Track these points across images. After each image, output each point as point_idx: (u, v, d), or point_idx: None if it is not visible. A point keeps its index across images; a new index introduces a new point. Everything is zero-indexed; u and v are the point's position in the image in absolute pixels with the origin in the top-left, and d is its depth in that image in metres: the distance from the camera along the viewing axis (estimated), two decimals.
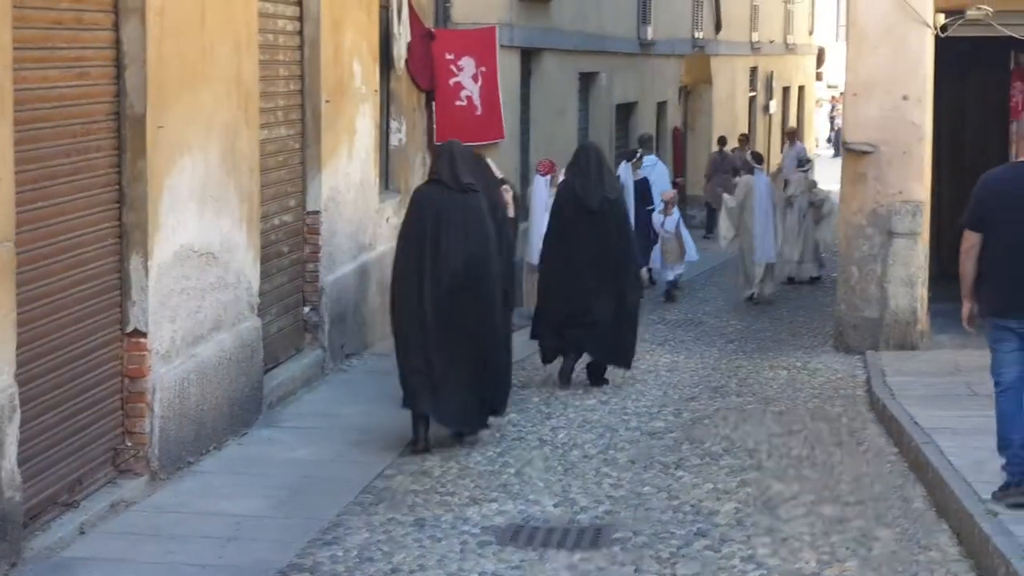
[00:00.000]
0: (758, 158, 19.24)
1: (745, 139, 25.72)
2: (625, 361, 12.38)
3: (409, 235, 10.06)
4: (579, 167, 12.44)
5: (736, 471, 9.28)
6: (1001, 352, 7.84)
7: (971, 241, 7.88)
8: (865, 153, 13.58)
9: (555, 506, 8.49)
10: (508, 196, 11.90)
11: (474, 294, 9.81)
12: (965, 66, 17.18)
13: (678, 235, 18.10)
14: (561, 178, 13.40)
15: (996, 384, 7.88)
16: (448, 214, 9.86)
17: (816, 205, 19.31)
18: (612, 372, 12.97)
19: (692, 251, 18.47)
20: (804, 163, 20.36)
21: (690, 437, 10.33)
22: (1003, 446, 7.77)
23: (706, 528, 7.95)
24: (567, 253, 12.16)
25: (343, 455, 9.64)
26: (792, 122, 36.88)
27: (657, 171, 19.27)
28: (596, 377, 12.44)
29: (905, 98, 13.50)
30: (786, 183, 19.41)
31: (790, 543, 7.62)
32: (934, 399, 10.52)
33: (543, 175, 16.02)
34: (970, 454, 8.77)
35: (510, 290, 11.39)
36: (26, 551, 7.14)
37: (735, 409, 11.36)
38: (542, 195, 15.51)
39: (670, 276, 18.22)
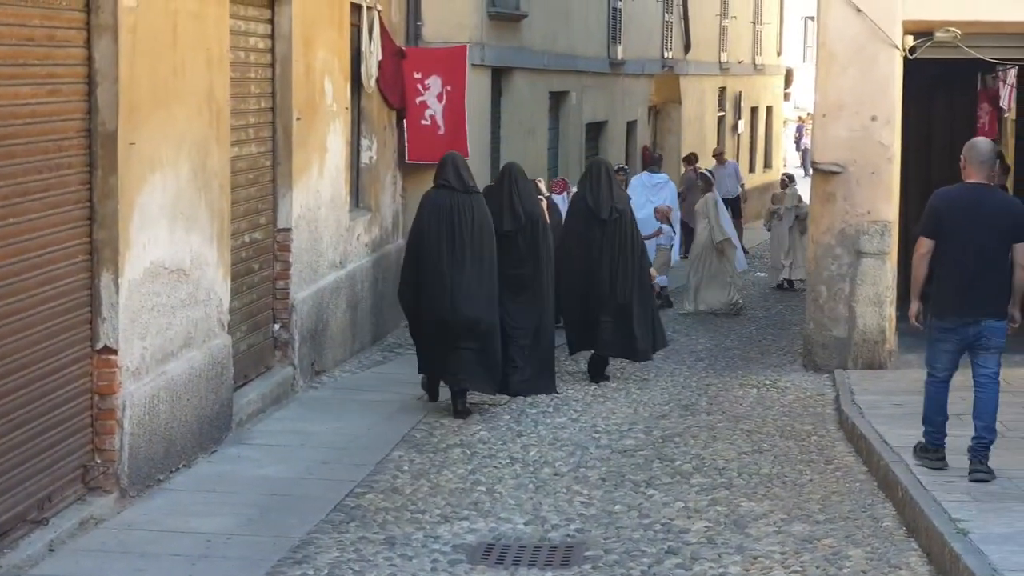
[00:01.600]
0: (708, 178, 20.19)
1: (695, 158, 25.80)
2: (645, 356, 13.69)
3: (424, 232, 11.77)
4: (591, 180, 13.74)
5: (706, 489, 9.30)
6: (939, 348, 9.00)
7: (925, 247, 8.97)
8: (834, 173, 13.66)
9: (526, 524, 8.50)
10: (544, 207, 13.45)
11: (488, 275, 11.76)
12: (933, 87, 17.31)
13: (668, 249, 19.34)
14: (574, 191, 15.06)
15: (930, 374, 9.09)
16: (460, 211, 11.72)
17: (801, 218, 20.63)
18: (583, 388, 13.03)
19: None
20: (791, 180, 22.38)
21: (660, 455, 10.35)
22: (927, 422, 9.13)
23: (677, 546, 7.97)
24: (582, 258, 13.38)
25: (313, 473, 9.62)
26: (762, 141, 37.10)
27: (668, 189, 20.50)
28: (597, 373, 13.59)
29: (874, 119, 13.59)
30: (773, 197, 21.37)
31: (761, 562, 7.65)
32: (902, 417, 10.56)
33: (558, 194, 17.35)
34: (939, 473, 8.81)
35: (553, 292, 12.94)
36: None
37: (705, 427, 11.39)
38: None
39: (662, 281, 18.98)
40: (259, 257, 11.76)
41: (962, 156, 9.08)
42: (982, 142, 9.35)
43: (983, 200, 8.89)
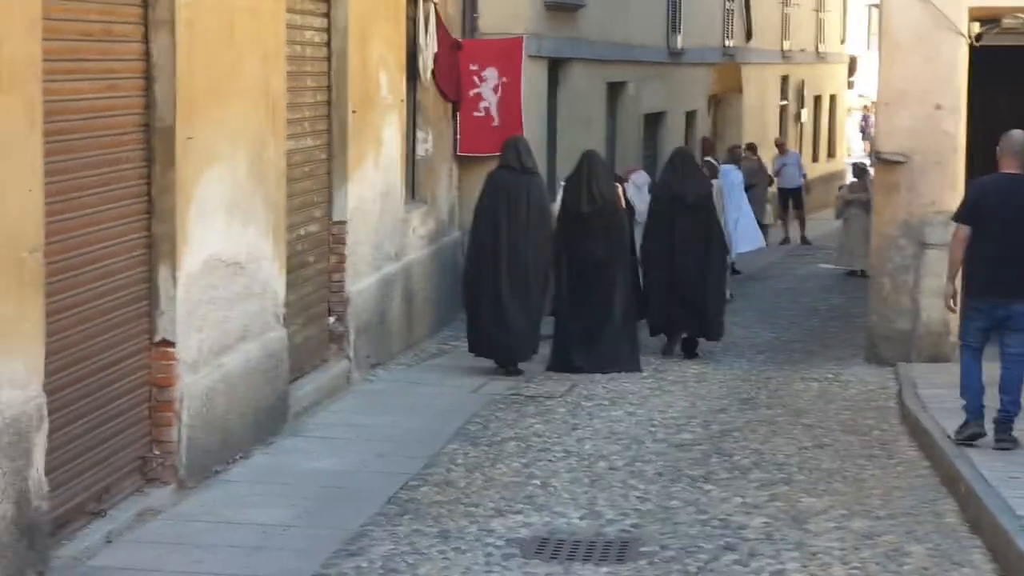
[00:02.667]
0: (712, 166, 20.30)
1: (755, 147, 25.73)
2: (718, 334, 14.43)
3: (486, 207, 13.03)
4: (675, 167, 14.69)
5: (766, 485, 9.21)
6: (971, 325, 9.66)
7: (962, 233, 9.63)
8: (897, 163, 13.50)
9: (581, 518, 8.45)
10: (619, 192, 13.90)
11: (538, 250, 12.87)
12: (999, 75, 17.06)
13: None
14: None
15: (963, 346, 9.77)
16: (517, 191, 12.89)
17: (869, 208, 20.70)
18: (640, 381, 12.98)
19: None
20: (863, 170, 22.51)
21: (719, 450, 10.27)
22: (964, 392, 9.58)
23: (735, 542, 7.89)
24: (667, 241, 14.13)
25: (368, 465, 9.63)
26: (825, 131, 36.81)
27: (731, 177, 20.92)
28: (690, 351, 14.40)
29: (938, 107, 13.42)
30: (852, 185, 21.95)
31: (820, 558, 7.56)
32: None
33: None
34: (1004, 468, 8.69)
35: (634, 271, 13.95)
36: (53, 560, 7.15)
37: (765, 421, 11.29)
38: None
39: None
40: (314, 250, 11.78)
41: (998, 147, 9.55)
42: (1016, 133, 9.67)
43: (1017, 189, 9.45)
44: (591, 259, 13.29)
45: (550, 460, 9.92)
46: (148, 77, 8.44)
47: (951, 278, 9.84)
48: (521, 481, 9.30)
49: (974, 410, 9.51)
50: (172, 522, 8.13)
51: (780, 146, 28.39)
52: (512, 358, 13.05)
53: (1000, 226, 9.39)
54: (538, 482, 9.29)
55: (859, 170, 23.00)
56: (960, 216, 9.72)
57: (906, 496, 8.85)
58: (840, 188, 23.13)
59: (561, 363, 13.31)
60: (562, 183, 14.16)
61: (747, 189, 21.57)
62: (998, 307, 9.40)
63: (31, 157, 6.82)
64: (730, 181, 20.95)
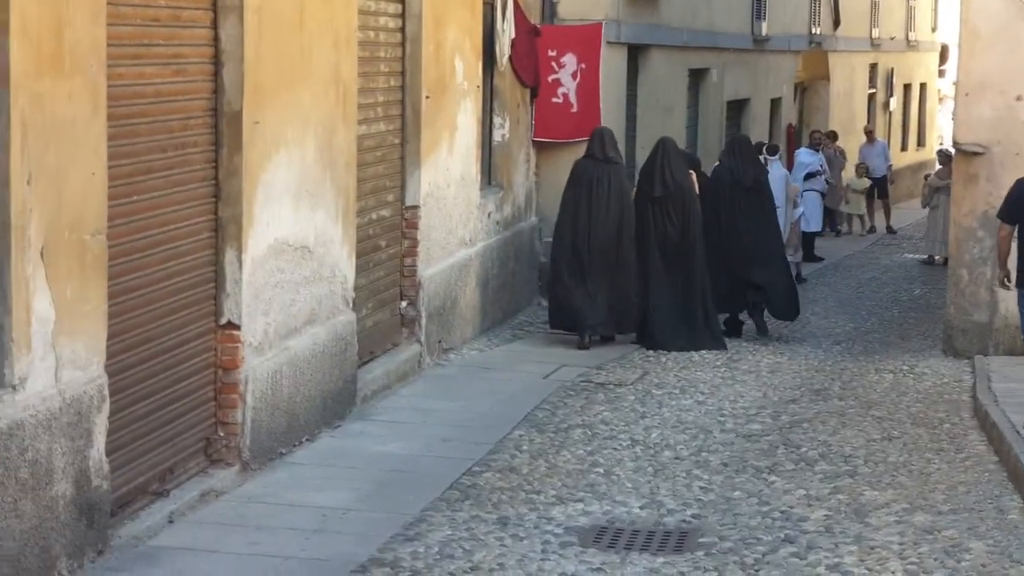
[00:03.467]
0: (772, 150, 20.19)
1: (835, 135, 25.69)
2: (793, 314, 15.02)
3: (570, 195, 13.99)
4: (733, 152, 15.29)
5: (830, 477, 9.13)
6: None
7: (1006, 231, 11.33)
8: (976, 154, 13.32)
9: (642, 508, 8.42)
10: (692, 178, 14.39)
11: (616, 230, 13.75)
12: None
13: (796, 224, 19.97)
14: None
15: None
16: (598, 179, 13.81)
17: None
18: (712, 370, 12.93)
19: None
20: (949, 157, 22.10)
21: (786, 441, 10.19)
22: None
23: (794, 535, 7.82)
24: (727, 225, 14.71)
25: (433, 450, 9.66)
26: (914, 119, 36.37)
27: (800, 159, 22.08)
28: (762, 329, 14.95)
29: (1019, 98, 13.23)
30: (939, 172, 21.95)
31: (878, 552, 7.47)
32: None
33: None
34: None
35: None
36: (114, 539, 7.23)
37: (835, 413, 11.18)
38: None
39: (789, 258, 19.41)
40: (386, 234, 11.83)
41: None
42: None
43: None
44: (667, 241, 13.98)
45: (615, 448, 9.89)
46: (216, 62, 8.50)
47: (1000, 267, 11.55)
48: (584, 469, 9.28)
49: None
50: (234, 503, 8.21)
51: (868, 134, 28.13)
52: (592, 324, 13.79)
53: None
54: (601, 470, 9.27)
55: (945, 157, 22.82)
56: (1001, 214, 11.14)
57: (971, 491, 8.73)
58: (927, 176, 22.94)
59: (646, 342, 13.95)
60: None
61: (808, 177, 21.48)
62: None
63: (94, 141, 6.90)
64: (797, 162, 21.29)
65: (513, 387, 11.90)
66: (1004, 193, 13.20)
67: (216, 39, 8.49)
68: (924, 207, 22.62)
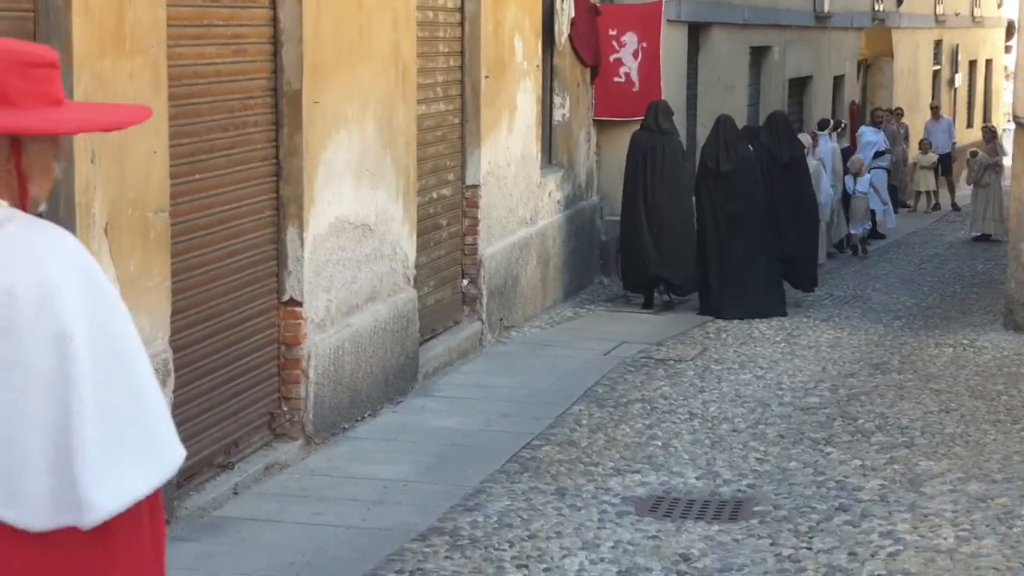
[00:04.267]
0: (822, 125, 20.87)
1: (901, 112, 25.81)
2: (812, 285, 15.69)
3: (629, 165, 14.90)
4: (771, 130, 15.89)
5: (886, 448, 9.18)
6: None
7: None
8: None
9: (698, 479, 8.52)
10: (752, 153, 15.10)
11: (674, 195, 14.72)
12: None
13: (866, 197, 20.75)
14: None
15: None
16: (654, 149, 14.73)
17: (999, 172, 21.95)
18: (772, 345, 12.98)
19: (890, 219, 22.16)
20: (994, 134, 23.35)
21: (844, 413, 10.24)
22: None
23: (848, 503, 7.90)
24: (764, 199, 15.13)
25: (493, 425, 9.78)
26: (980, 96, 36.08)
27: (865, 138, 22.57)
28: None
29: None
30: (973, 153, 22.34)
31: (931, 520, 7.53)
32: None
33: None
34: None
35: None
36: (180, 510, 7.41)
37: (894, 386, 11.22)
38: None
39: (858, 231, 20.68)
40: (447, 213, 11.96)
41: None
42: None
43: None
44: (730, 214, 14.66)
45: (673, 422, 9.98)
46: (276, 42, 8.65)
47: None
48: (643, 442, 9.38)
49: None
50: (298, 476, 8.37)
51: (934, 110, 28.01)
52: (665, 277, 14.81)
53: None
54: (659, 443, 9.37)
55: (991, 134, 22.94)
56: None
57: None
58: (972, 154, 22.87)
59: (710, 311, 14.65)
60: None
61: (878, 155, 21.49)
62: None
63: (156, 120, 7.05)
64: (864, 141, 21.45)
65: (573, 364, 12.01)
66: None
67: (275, 19, 8.63)
68: (970, 184, 22.54)
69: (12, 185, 3.16)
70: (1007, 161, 20.83)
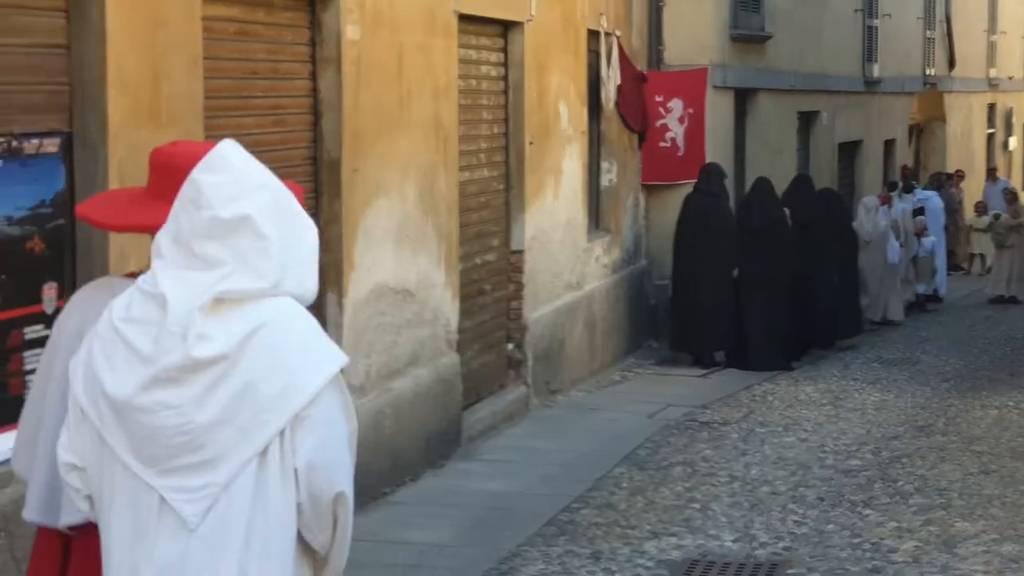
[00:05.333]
0: (892, 186, 22.06)
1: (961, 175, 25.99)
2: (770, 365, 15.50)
3: (680, 229, 15.55)
4: (748, 196, 16.43)
5: (923, 510, 9.18)
6: None
7: None
8: None
9: (734, 541, 8.54)
10: (785, 214, 15.95)
11: (719, 259, 15.27)
12: None
13: (931, 257, 21.51)
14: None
15: None
16: (704, 210, 15.34)
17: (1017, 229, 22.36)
18: (818, 408, 12.98)
19: (941, 284, 22.20)
20: (1015, 195, 23.72)
21: (884, 475, 10.24)
22: None
23: (881, 565, 7.91)
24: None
25: (534, 488, 9.85)
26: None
27: (932, 203, 23.03)
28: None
29: None
30: (997, 216, 22.69)
31: None
32: None
33: (882, 205, 19.77)
34: None
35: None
36: None
37: (936, 448, 11.20)
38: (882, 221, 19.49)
39: (921, 290, 21.38)
40: (492, 278, 12.08)
41: None
42: None
43: None
44: (759, 272, 15.27)
45: (713, 485, 10.01)
46: (316, 112, 8.85)
47: None
48: (681, 504, 9.42)
49: None
50: None
51: (991, 172, 28.04)
52: (702, 349, 15.36)
53: None
54: (698, 506, 9.40)
55: (1011, 195, 23.22)
56: None
57: None
58: (996, 216, 23.02)
59: (737, 363, 15.30)
60: None
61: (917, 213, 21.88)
62: None
63: None
64: (932, 207, 21.78)
65: (618, 427, 12.05)
66: None
67: (315, 90, 8.83)
68: (998, 248, 22.66)
69: None
70: None
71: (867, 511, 9.20)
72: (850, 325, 17.33)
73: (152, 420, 3.27)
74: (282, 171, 8.36)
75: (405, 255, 9.84)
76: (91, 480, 3.39)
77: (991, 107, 31.65)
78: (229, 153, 3.50)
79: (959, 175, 26.60)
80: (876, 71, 23.91)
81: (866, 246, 18.73)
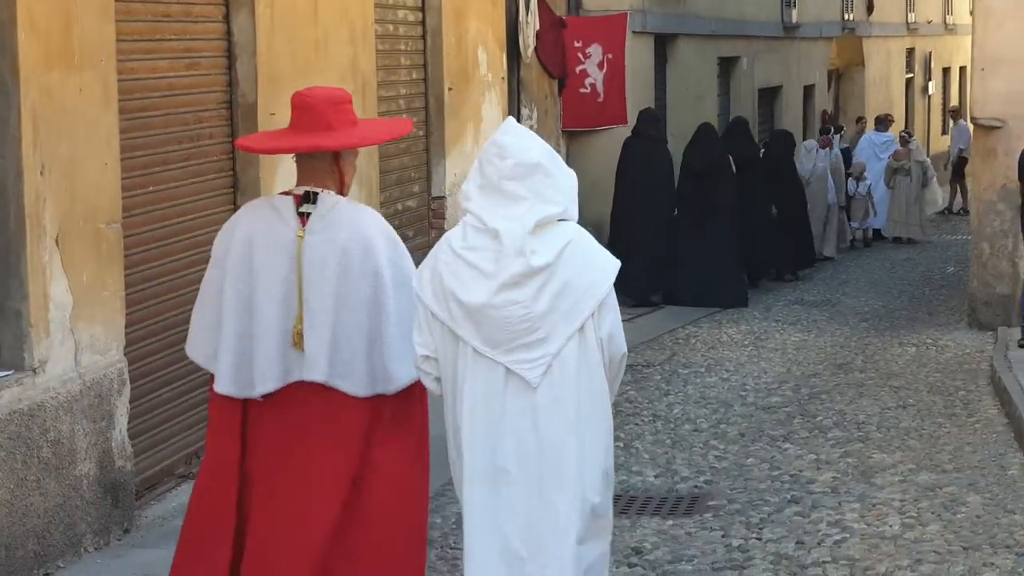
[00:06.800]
0: (837, 128, 23.00)
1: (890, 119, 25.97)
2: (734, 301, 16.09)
3: (620, 166, 15.90)
4: (693, 138, 16.76)
5: (841, 443, 9.31)
6: None
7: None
8: (994, 128, 13.43)
9: (656, 477, 8.63)
10: (728, 157, 16.54)
11: (657, 196, 15.70)
12: None
13: (867, 198, 22.31)
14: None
15: None
16: (643, 153, 15.67)
17: (921, 174, 22.84)
18: (739, 349, 13.10)
19: (881, 219, 22.83)
20: (909, 137, 24.06)
21: (804, 411, 10.37)
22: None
23: (800, 495, 8.02)
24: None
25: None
26: (954, 103, 36.29)
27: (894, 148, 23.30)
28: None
29: None
30: (896, 154, 22.91)
31: (878, 509, 7.66)
32: None
33: (822, 148, 20.88)
34: None
35: None
36: (140, 518, 7.49)
37: (854, 384, 11.36)
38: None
39: (855, 226, 22.47)
40: (413, 224, 12.05)
41: None
42: None
43: None
44: (705, 211, 15.80)
45: (637, 424, 10.09)
46: (230, 56, 8.76)
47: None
48: None
49: None
50: None
51: (953, 112, 28.44)
52: (643, 291, 15.45)
53: None
54: (621, 444, 9.44)
55: (902, 139, 23.55)
56: (1020, 176, 11.95)
57: (976, 451, 8.90)
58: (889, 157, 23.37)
59: (669, 298, 15.81)
60: None
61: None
62: None
63: (107, 133, 7.16)
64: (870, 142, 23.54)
65: None
66: None
67: (229, 33, 8.74)
68: (888, 187, 23.04)
69: (336, 180, 5.16)
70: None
71: (786, 445, 9.32)
72: (798, 258, 18.46)
73: (502, 314, 4.70)
74: (198, 114, 8.39)
75: None
76: (442, 365, 4.81)
77: (910, 52, 31.87)
78: (514, 123, 4.97)
79: (890, 119, 26.77)
80: (795, 16, 24.03)
81: (807, 186, 19.64)
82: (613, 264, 4.83)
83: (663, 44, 18.47)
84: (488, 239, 4.71)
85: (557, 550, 4.71)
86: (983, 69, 13.54)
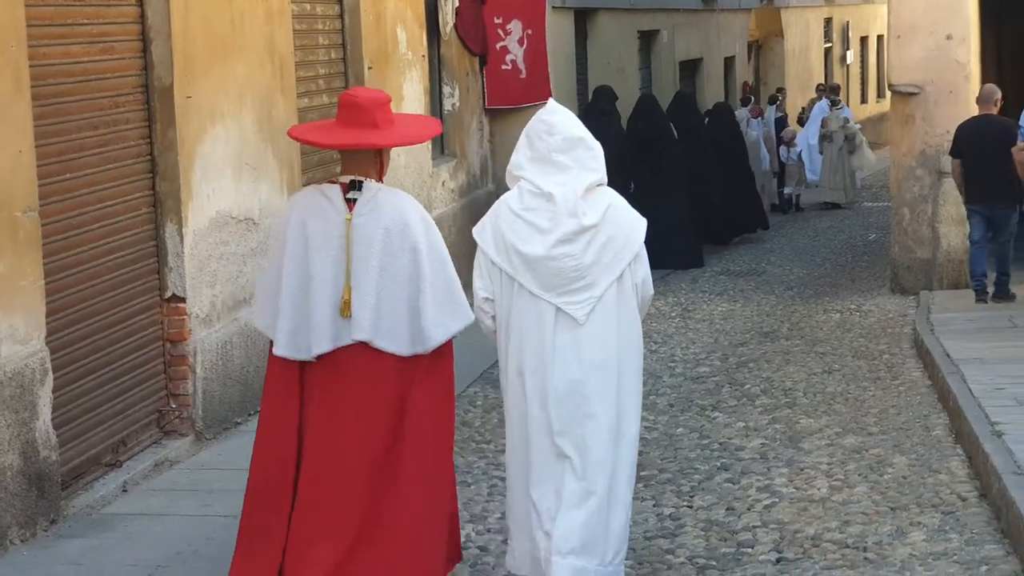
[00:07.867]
0: (772, 99, 24.10)
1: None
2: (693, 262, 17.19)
3: None
4: (636, 109, 17.59)
5: (769, 409, 9.40)
6: (971, 222, 12.49)
7: (955, 163, 12.45)
8: (911, 94, 13.54)
9: None
10: (671, 127, 17.44)
11: (610, 170, 16.08)
12: (1004, 10, 17.08)
13: (799, 164, 23.30)
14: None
15: (970, 241, 12.63)
16: (596, 129, 15.70)
17: (849, 138, 23.13)
18: (668, 321, 13.15)
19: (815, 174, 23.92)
20: (836, 102, 24.47)
21: (732, 380, 10.45)
22: (972, 275, 12.58)
23: (730, 463, 8.08)
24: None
25: None
26: (873, 71, 36.60)
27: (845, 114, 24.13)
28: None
29: (949, 38, 13.46)
30: (824, 120, 23.38)
31: (806, 473, 7.74)
32: (974, 332, 10.58)
33: (754, 118, 22.19)
34: (992, 381, 8.82)
35: None
36: (67, 509, 7.42)
37: (781, 352, 11.45)
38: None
39: (788, 191, 23.31)
40: None
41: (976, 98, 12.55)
42: (987, 87, 12.60)
43: (989, 126, 12.11)
44: (649, 175, 16.57)
45: None
46: (145, 39, 8.66)
47: (958, 189, 12.59)
48: None
49: (979, 286, 12.29)
50: (187, 471, 8.39)
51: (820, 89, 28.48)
52: None
53: (978, 153, 12.03)
54: None
55: (831, 105, 23.98)
56: (952, 151, 12.42)
57: (901, 413, 9.01)
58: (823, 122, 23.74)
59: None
60: None
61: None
62: (988, 209, 12.19)
63: (19, 120, 7.06)
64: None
65: (472, 346, 12.03)
66: (940, 131, 13.59)
67: (143, 16, 8.64)
68: (820, 152, 23.44)
69: (377, 170, 5.90)
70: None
71: (715, 414, 9.38)
72: (749, 220, 19.38)
73: (557, 264, 5.77)
74: (114, 99, 8.28)
75: (246, 183, 9.72)
76: (498, 305, 5.98)
77: (828, 21, 32.10)
78: (556, 104, 6.00)
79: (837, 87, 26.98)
80: None
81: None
82: (643, 223, 5.91)
83: (583, 19, 18.48)
84: (543, 201, 5.77)
85: (597, 452, 5.80)
86: (899, 36, 13.63)
